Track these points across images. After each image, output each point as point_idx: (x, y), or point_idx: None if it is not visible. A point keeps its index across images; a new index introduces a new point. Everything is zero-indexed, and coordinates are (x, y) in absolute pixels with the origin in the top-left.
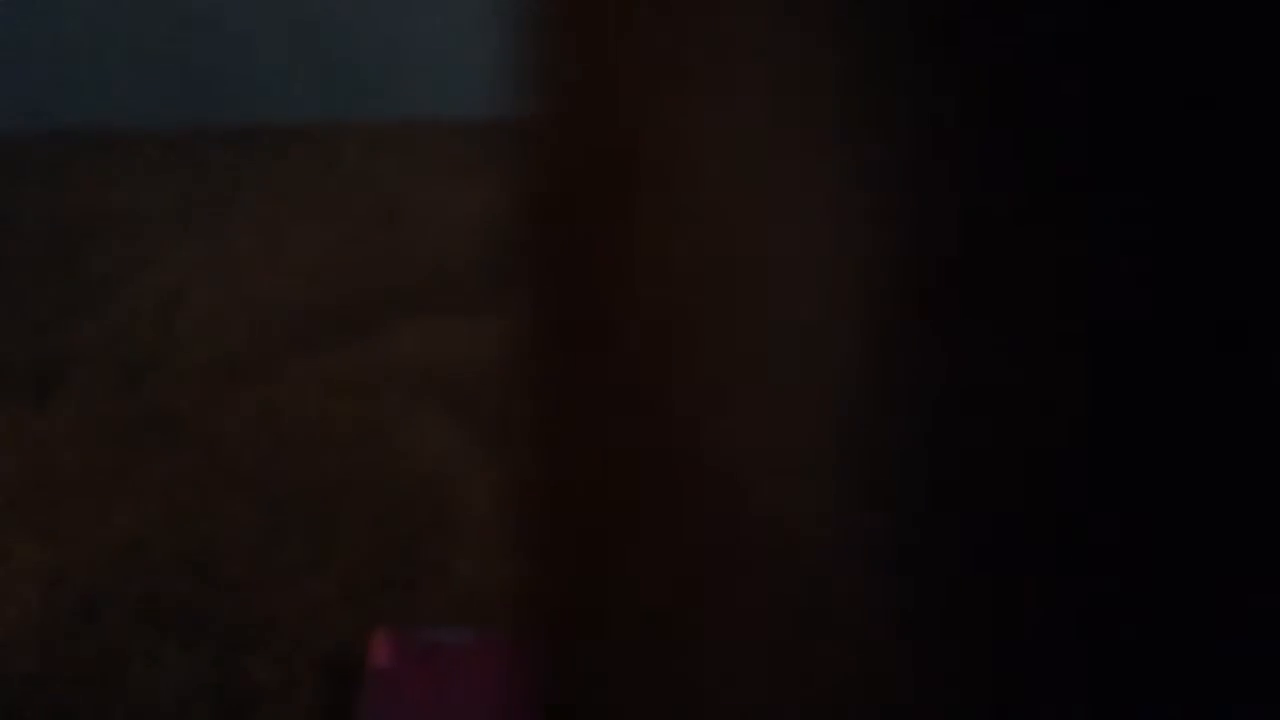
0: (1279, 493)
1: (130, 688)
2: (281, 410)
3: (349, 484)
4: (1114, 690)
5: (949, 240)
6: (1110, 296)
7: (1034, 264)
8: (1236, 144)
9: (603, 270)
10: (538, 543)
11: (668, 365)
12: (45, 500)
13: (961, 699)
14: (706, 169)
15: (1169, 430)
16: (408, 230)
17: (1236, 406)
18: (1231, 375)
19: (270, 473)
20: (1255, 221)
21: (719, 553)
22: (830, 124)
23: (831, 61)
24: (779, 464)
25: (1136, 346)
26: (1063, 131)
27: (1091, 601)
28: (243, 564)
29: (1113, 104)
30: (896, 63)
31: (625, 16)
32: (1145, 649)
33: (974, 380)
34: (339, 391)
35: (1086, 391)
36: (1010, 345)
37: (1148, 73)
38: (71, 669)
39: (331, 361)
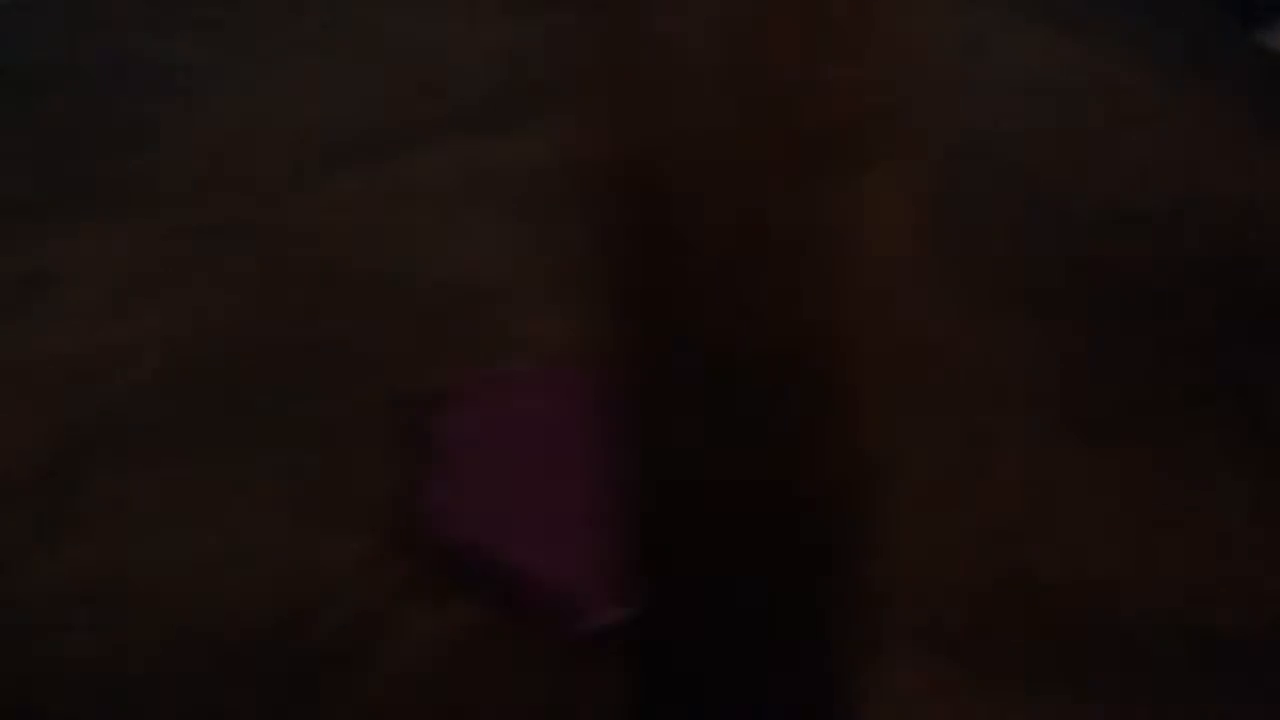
0: None
1: (235, 423)
2: (336, 218)
3: (411, 274)
4: None
5: None
6: None
7: None
8: None
9: None
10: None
11: None
12: (136, 291)
13: None
14: None
15: None
16: (430, 66)
17: None
18: None
19: (337, 264)
20: None
21: None
22: None
23: None
24: None
25: None
26: None
27: None
28: (323, 332)
29: None
30: None
31: None
32: None
33: None
34: (387, 202)
35: None
36: None
37: None
38: (180, 418)
39: (376, 178)
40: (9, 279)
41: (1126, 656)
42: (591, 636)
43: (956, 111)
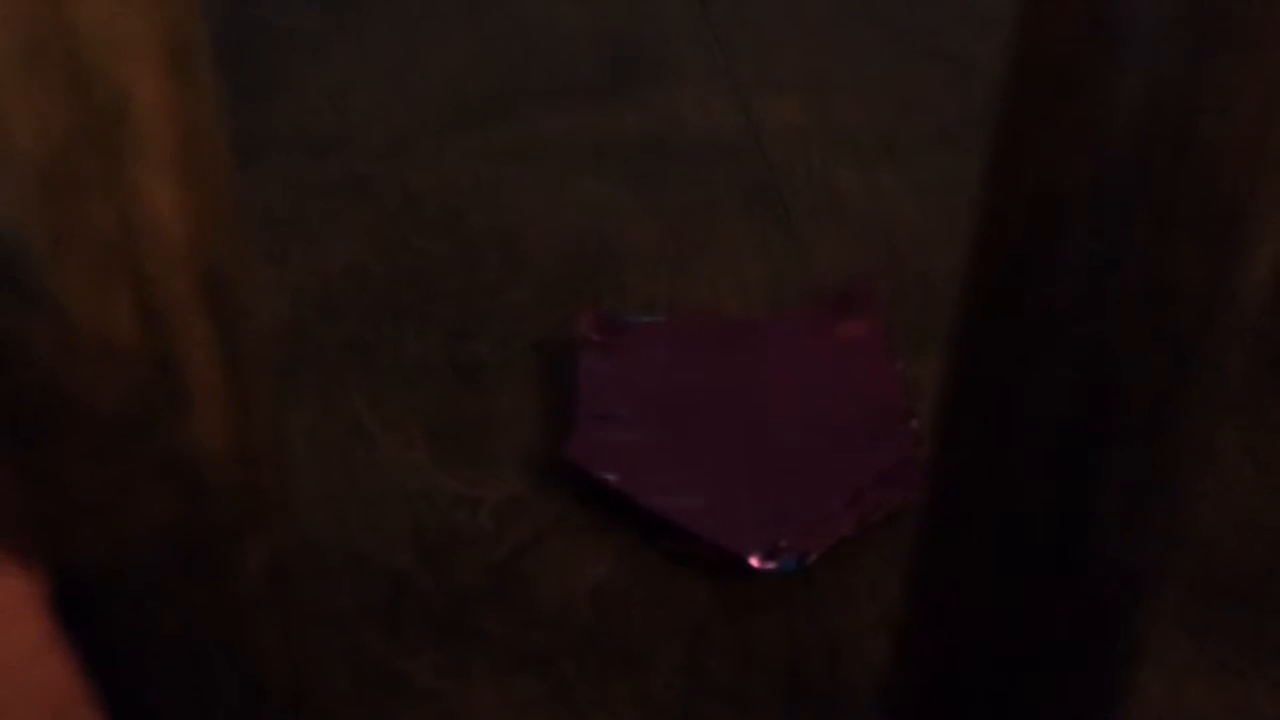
0: None
1: (377, 362)
2: (454, 173)
3: (526, 226)
4: None
5: None
6: None
7: None
8: None
9: None
10: None
11: None
12: (271, 238)
13: None
14: None
15: None
16: (533, 41)
17: None
18: None
19: (456, 218)
20: None
21: None
22: None
23: None
24: None
25: None
26: None
27: None
28: (450, 281)
29: None
30: None
31: None
32: None
33: None
34: (500, 159)
35: None
36: None
37: None
38: (327, 353)
39: (489, 138)
40: None
41: None
42: (737, 576)
43: None
